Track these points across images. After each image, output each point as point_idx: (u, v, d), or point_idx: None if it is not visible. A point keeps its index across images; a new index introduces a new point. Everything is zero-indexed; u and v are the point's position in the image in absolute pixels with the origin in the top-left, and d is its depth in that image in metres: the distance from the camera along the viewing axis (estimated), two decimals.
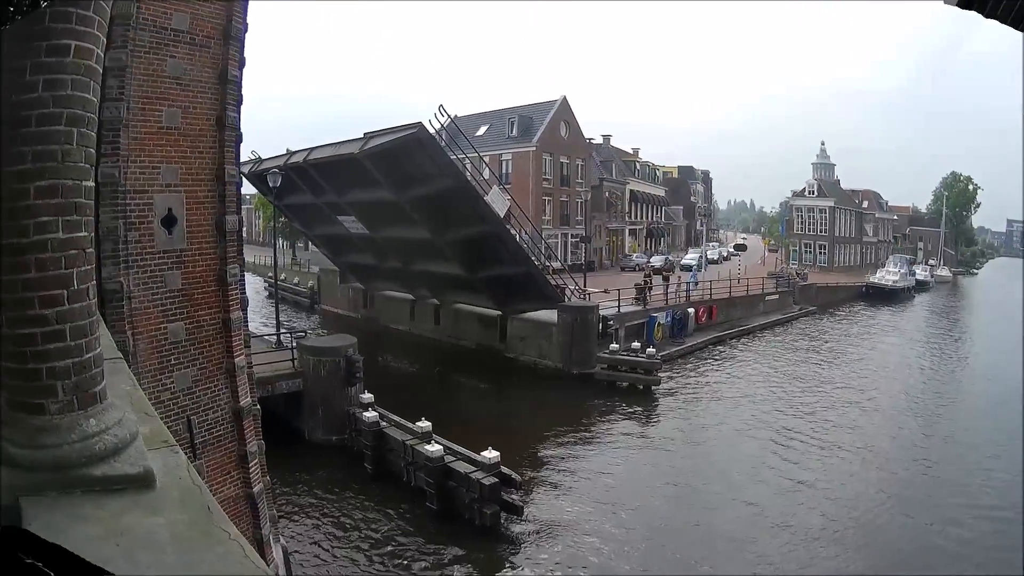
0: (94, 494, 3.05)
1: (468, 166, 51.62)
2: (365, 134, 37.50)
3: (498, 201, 37.26)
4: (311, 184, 41.56)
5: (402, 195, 37.07)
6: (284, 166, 39.09)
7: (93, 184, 3.27)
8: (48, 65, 2.98)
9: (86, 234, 3.19)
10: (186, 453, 4.18)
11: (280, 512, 19.88)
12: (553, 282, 44.42)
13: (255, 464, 14.67)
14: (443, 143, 38.05)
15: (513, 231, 45.42)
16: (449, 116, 42.14)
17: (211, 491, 4.09)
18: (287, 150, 46.88)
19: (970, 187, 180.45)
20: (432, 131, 37.49)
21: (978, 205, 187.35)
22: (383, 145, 33.72)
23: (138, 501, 3.09)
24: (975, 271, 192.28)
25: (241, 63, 13.83)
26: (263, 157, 49.10)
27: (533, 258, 45.57)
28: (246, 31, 13.82)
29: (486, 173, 75.80)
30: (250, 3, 13.91)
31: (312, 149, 39.87)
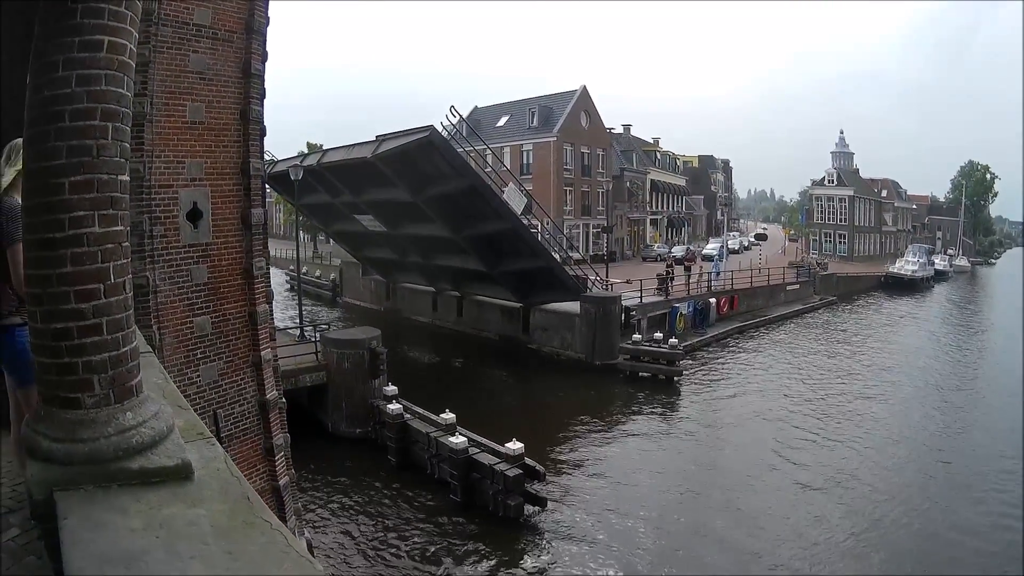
0: (131, 487, 3.06)
1: (489, 157, 51.51)
2: (377, 136, 37.47)
3: (515, 198, 37.25)
4: (327, 185, 41.62)
5: (418, 195, 37.11)
6: (299, 168, 39.10)
7: (128, 179, 3.29)
8: (81, 60, 2.99)
9: (122, 228, 3.21)
10: (223, 450, 4.20)
11: (304, 505, 19.94)
12: (573, 273, 44.21)
13: (281, 457, 14.72)
14: (457, 142, 37.95)
15: (534, 225, 45.40)
16: (461, 116, 42.08)
17: None
18: (302, 151, 46.91)
19: (988, 176, 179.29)
20: (445, 133, 37.54)
21: (996, 194, 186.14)
22: (395, 149, 33.68)
23: (177, 493, 3.10)
24: (993, 261, 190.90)
25: (264, 56, 13.86)
26: (277, 158, 49.14)
27: (553, 252, 45.43)
28: (268, 24, 13.84)
29: (507, 161, 76.18)
30: None
31: (325, 152, 40.00)
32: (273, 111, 14.70)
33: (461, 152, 37.51)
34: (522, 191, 41.34)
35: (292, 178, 37.32)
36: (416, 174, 35.10)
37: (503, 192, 37.28)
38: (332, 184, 41.34)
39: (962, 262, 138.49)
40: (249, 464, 13.93)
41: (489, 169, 43.62)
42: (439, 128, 36.25)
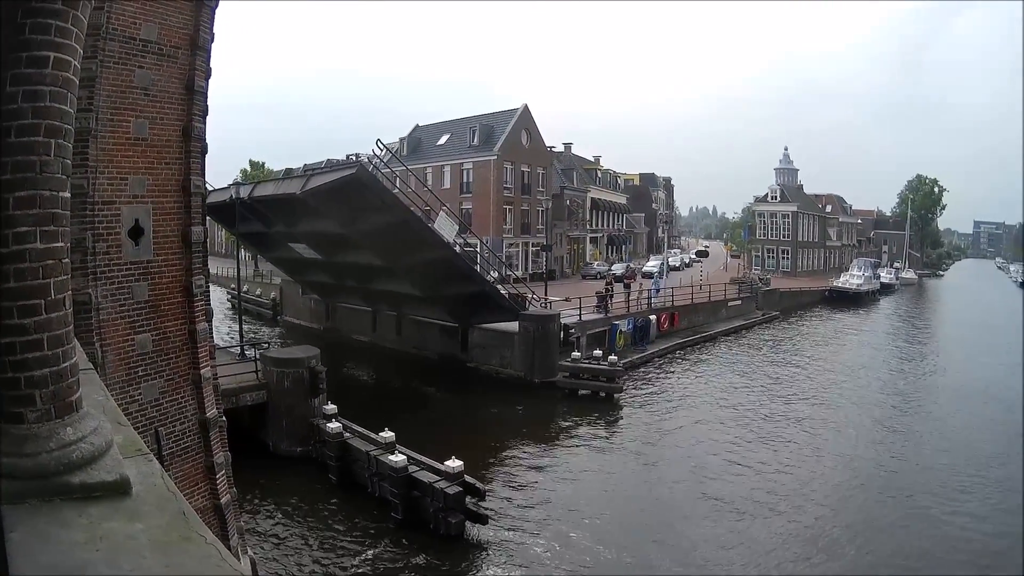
0: (74, 501, 3.07)
1: (420, 180, 51.27)
2: (305, 169, 37.53)
3: (446, 227, 37.25)
4: (260, 216, 41.37)
5: (349, 228, 37.05)
6: (231, 200, 38.91)
7: (69, 195, 3.30)
8: (27, 76, 3.00)
9: (62, 244, 3.21)
10: (160, 466, 4.21)
11: (247, 524, 19.90)
12: (511, 293, 44.60)
13: (222, 475, 14.65)
14: (384, 175, 38.00)
15: (472, 245, 45.44)
16: (387, 148, 42.09)
17: None
18: (245, 168, 46.78)
19: (936, 189, 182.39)
20: (372, 168, 37.59)
21: (944, 207, 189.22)
22: (323, 186, 33.49)
23: (117, 508, 3.12)
24: (941, 273, 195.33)
25: (207, 73, 13.81)
26: (211, 188, 48.30)
27: (489, 275, 45.58)
28: (213, 41, 13.81)
29: (447, 180, 76.49)
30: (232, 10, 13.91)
31: (256, 185, 39.93)
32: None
33: (390, 185, 37.78)
34: (453, 217, 41.26)
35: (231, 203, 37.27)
36: (346, 208, 34.90)
37: (434, 222, 37.25)
38: (265, 216, 41.11)
39: (909, 275, 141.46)
40: (191, 482, 13.85)
41: (424, 190, 43.50)
42: (372, 157, 36.22)
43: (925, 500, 25.37)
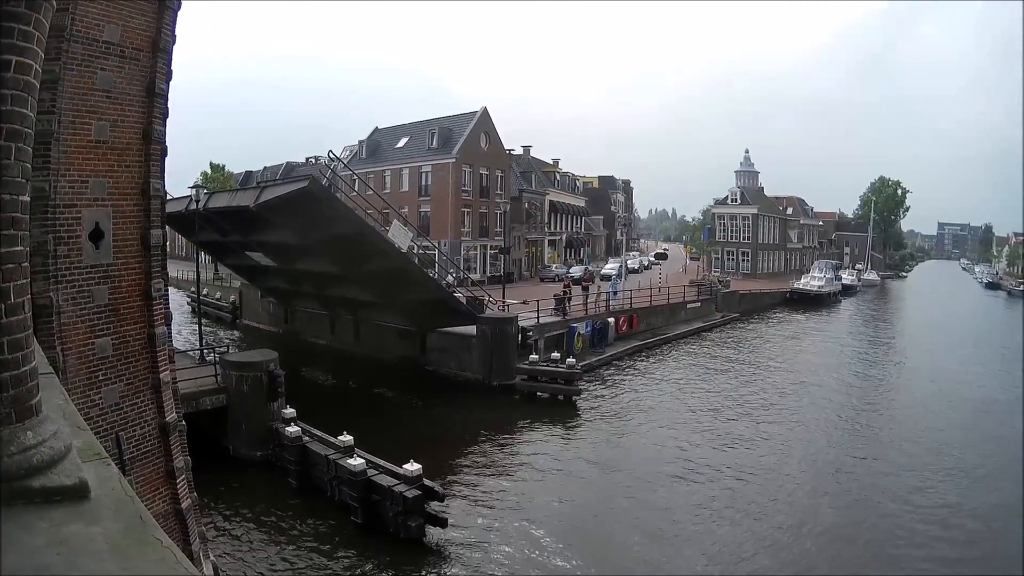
0: (35, 505, 3.07)
1: (383, 181, 51.06)
2: (259, 183, 37.37)
3: (400, 236, 37.21)
4: (215, 226, 41.20)
5: (304, 239, 37.14)
6: (185, 211, 38.78)
7: (28, 199, 3.29)
8: None
9: (21, 248, 3.20)
10: (118, 470, 4.21)
11: (209, 529, 19.78)
12: (464, 297, 44.54)
13: (182, 480, 14.57)
14: (336, 186, 38.04)
15: (430, 246, 45.43)
16: (339, 159, 42.11)
17: None
18: (205, 171, 46.62)
19: (899, 191, 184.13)
20: (326, 178, 38.24)
21: (907, 209, 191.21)
22: (275, 199, 33.45)
23: (75, 511, 3.12)
24: (904, 274, 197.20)
25: (168, 76, 13.73)
26: (170, 197, 48.09)
27: (445, 282, 45.76)
28: (174, 43, 13.75)
29: (406, 183, 76.64)
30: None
31: (210, 196, 39.52)
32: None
33: (345, 195, 38.25)
34: (407, 225, 41.23)
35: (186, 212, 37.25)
36: (299, 219, 34.82)
37: (388, 231, 37.27)
38: (221, 226, 40.95)
39: (871, 276, 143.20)
40: (152, 487, 13.77)
41: (382, 195, 43.40)
42: (328, 161, 36.18)
43: (889, 504, 25.52)
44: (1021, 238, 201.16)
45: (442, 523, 22.03)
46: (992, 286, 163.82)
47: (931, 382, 48.12)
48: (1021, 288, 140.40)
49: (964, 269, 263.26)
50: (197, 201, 37.77)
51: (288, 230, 36.49)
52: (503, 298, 51.38)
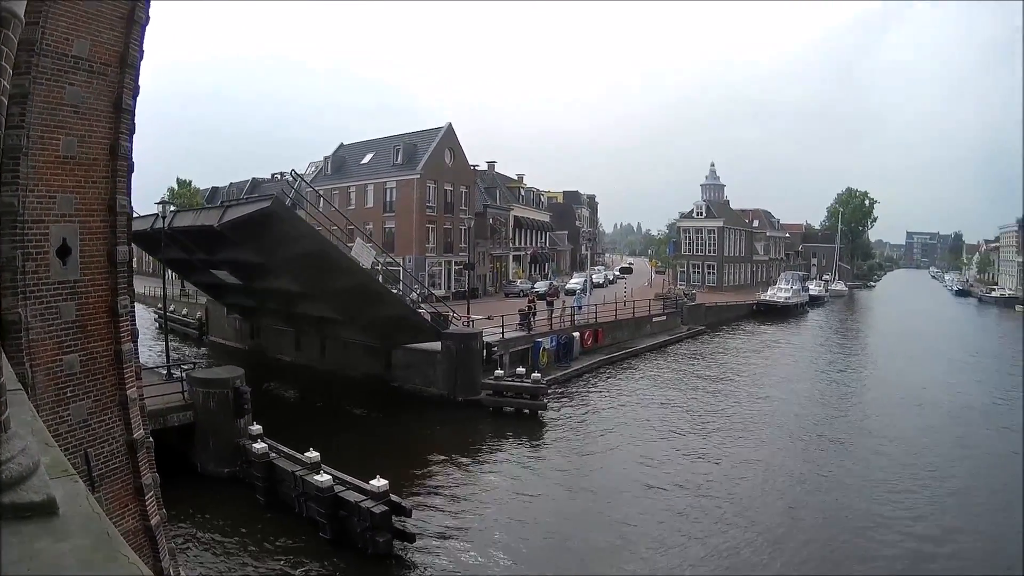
0: (7, 521, 3.08)
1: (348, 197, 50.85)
2: (223, 202, 37.29)
3: (363, 253, 37.35)
4: (181, 244, 41.08)
5: (267, 257, 37.19)
6: (151, 229, 38.67)
7: None
8: None
9: None
10: (85, 486, 4.22)
11: (178, 546, 19.68)
12: (428, 313, 44.82)
13: (151, 497, 14.49)
14: (299, 205, 38.11)
15: (395, 262, 45.30)
16: (302, 178, 42.05)
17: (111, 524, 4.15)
18: (162, 199, 46.42)
19: (867, 201, 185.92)
20: (289, 197, 38.20)
21: (875, 219, 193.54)
22: (239, 218, 33.45)
23: (45, 527, 3.14)
24: (872, 284, 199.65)
25: (135, 91, 13.68)
26: (136, 215, 47.85)
27: (408, 299, 46.11)
28: (141, 58, 13.70)
29: (371, 199, 76.70)
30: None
31: (175, 214, 39.54)
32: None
33: (308, 213, 38.52)
34: (369, 243, 41.25)
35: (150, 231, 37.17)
36: (263, 239, 34.82)
37: (351, 249, 37.34)
38: (185, 244, 40.82)
39: (839, 287, 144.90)
40: (121, 504, 13.68)
41: (347, 211, 43.30)
42: (292, 177, 36.16)
43: (858, 517, 25.51)
44: (992, 245, 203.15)
45: (410, 538, 22.14)
46: (962, 293, 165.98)
47: (900, 390, 48.62)
48: (993, 295, 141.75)
49: (934, 277, 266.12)
50: (164, 217, 37.68)
51: (252, 249, 36.43)
52: (468, 314, 51.67)
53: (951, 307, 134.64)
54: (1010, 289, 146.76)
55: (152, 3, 13.57)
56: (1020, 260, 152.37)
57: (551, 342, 51.37)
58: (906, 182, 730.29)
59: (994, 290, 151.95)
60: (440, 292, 76.06)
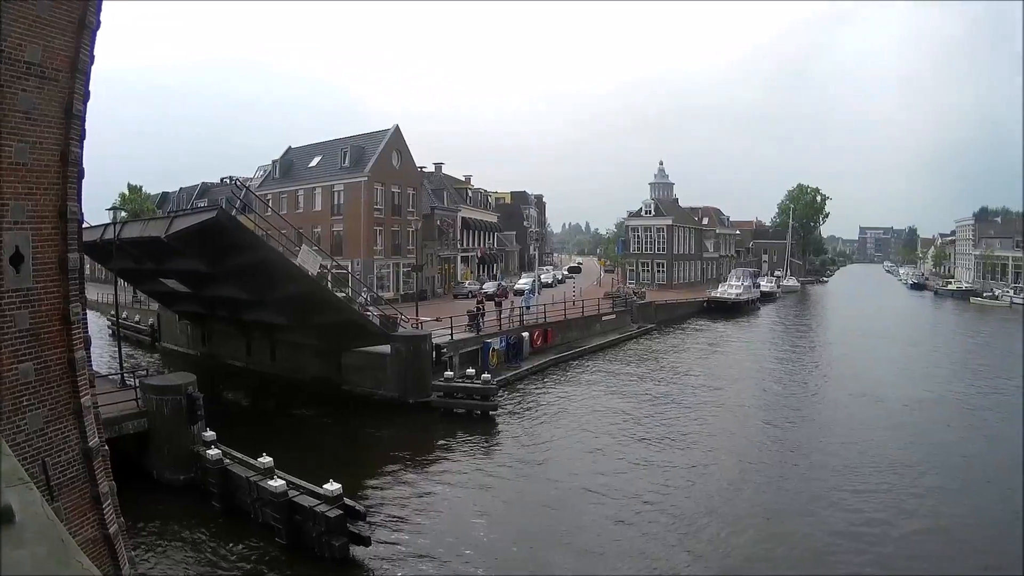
0: None
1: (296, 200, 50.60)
2: (169, 213, 37.19)
3: (309, 261, 37.36)
4: (130, 255, 40.85)
5: (215, 267, 37.21)
6: (100, 240, 38.48)
7: None
8: None
9: None
10: (44, 496, 4.23)
11: (138, 554, 19.56)
12: (377, 316, 44.92)
13: (109, 505, 14.41)
14: (243, 212, 38.08)
15: (343, 268, 45.12)
16: (245, 187, 41.96)
17: (71, 533, 4.17)
18: (114, 204, 46.06)
19: (818, 198, 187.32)
20: (234, 208, 38.81)
21: (827, 215, 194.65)
22: (184, 230, 33.35)
23: (3, 535, 3.15)
24: (825, 279, 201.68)
25: (86, 97, 13.59)
26: (87, 225, 47.53)
27: (356, 304, 46.18)
28: (92, 64, 13.61)
29: (319, 202, 76.80)
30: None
31: (123, 225, 39.30)
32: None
33: (253, 221, 38.84)
34: (316, 248, 41.26)
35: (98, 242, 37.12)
36: (210, 249, 34.92)
37: (297, 256, 37.32)
38: (134, 255, 40.59)
39: (791, 282, 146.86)
40: (79, 512, 13.60)
41: (294, 214, 43.18)
42: (240, 183, 36.13)
43: (814, 520, 25.45)
44: (948, 239, 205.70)
45: (365, 541, 22.14)
46: (918, 287, 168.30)
47: (857, 384, 49.01)
48: (949, 288, 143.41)
49: (888, 271, 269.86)
50: (115, 225, 37.49)
51: (199, 259, 36.34)
52: (416, 316, 51.87)
53: (907, 300, 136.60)
54: (967, 282, 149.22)
55: (104, 7, 13.45)
56: (976, 253, 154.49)
57: (500, 343, 51.73)
58: (859, 178, 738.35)
59: (951, 283, 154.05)
60: (389, 294, 76.31)
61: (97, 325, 69.84)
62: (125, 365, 41.31)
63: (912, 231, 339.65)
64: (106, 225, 39.55)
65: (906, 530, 24.06)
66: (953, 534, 23.89)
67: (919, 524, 24.63)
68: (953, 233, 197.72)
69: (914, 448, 33.71)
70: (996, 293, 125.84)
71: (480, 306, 55.35)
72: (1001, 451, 33.12)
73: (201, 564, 21.54)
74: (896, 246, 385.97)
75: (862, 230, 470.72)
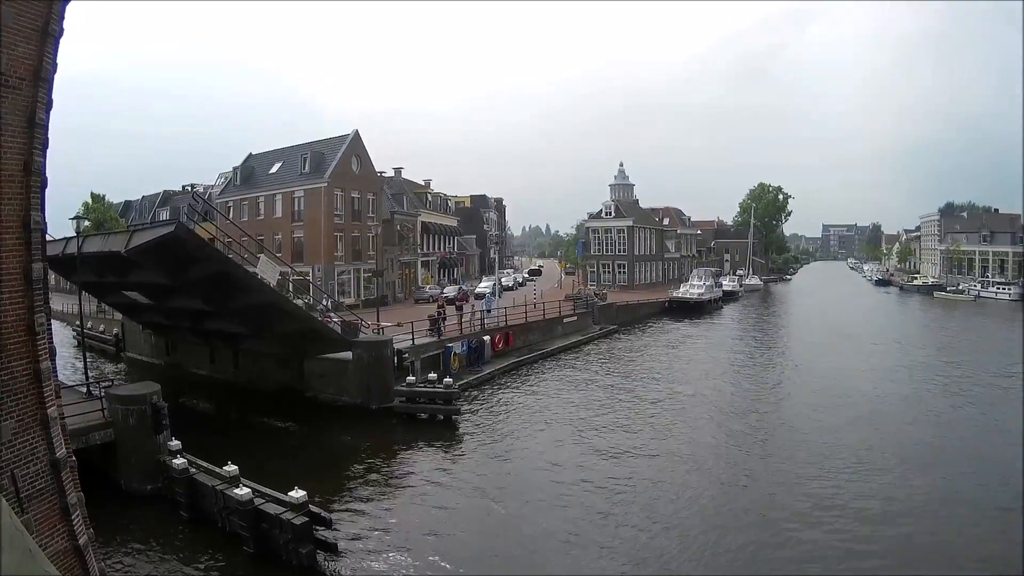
0: None
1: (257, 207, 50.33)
2: (129, 227, 37.07)
3: (268, 271, 37.41)
4: (92, 268, 40.73)
5: (175, 280, 37.16)
6: (62, 255, 38.36)
7: None
8: None
9: None
10: (13, 508, 4.23)
11: (108, 565, 19.48)
12: (339, 322, 45.09)
13: (78, 516, 14.33)
14: (221, 200, 38.04)
15: (304, 274, 44.97)
16: (203, 199, 41.87)
17: (41, 545, 4.18)
18: (77, 213, 45.83)
19: (780, 196, 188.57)
20: (193, 222, 38.65)
21: (789, 213, 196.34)
22: (144, 244, 33.38)
23: None
24: (788, 277, 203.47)
25: (48, 105, 13.50)
26: (50, 238, 47.48)
27: (316, 312, 45.88)
28: (55, 72, 13.52)
29: (279, 208, 76.69)
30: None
31: (85, 239, 39.16)
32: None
33: (213, 231, 38.75)
34: (274, 260, 41.24)
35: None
36: (170, 262, 35.05)
37: (256, 267, 37.33)
38: (96, 268, 40.46)
39: (754, 281, 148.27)
40: (49, 524, 13.52)
41: (255, 221, 43.09)
42: (203, 191, 36.16)
43: (782, 520, 25.40)
44: (913, 235, 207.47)
45: (332, 548, 22.22)
46: (883, 283, 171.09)
47: (824, 380, 49.75)
48: (915, 283, 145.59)
49: (852, 268, 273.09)
50: (78, 239, 37.39)
51: (160, 272, 36.33)
52: (378, 321, 51.88)
53: (872, 297, 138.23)
54: (933, 277, 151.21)
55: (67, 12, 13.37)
56: (942, 248, 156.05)
57: (462, 347, 51.82)
58: (822, 176, 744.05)
59: (916, 278, 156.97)
60: (350, 300, 76.90)
61: (62, 335, 69.34)
62: (90, 375, 41.11)
63: (876, 228, 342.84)
64: (68, 239, 39.44)
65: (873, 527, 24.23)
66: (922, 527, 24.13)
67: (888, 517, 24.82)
68: (918, 229, 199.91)
69: (879, 439, 34.21)
70: (962, 287, 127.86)
71: (441, 310, 55.50)
72: (967, 442, 34.03)
73: (171, 574, 21.45)
74: (860, 243, 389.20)
75: (825, 227, 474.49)
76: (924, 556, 22.02)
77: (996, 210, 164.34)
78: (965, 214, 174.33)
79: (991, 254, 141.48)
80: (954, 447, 33.54)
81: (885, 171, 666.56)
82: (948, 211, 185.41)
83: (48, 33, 13.13)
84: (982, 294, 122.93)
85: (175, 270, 36.02)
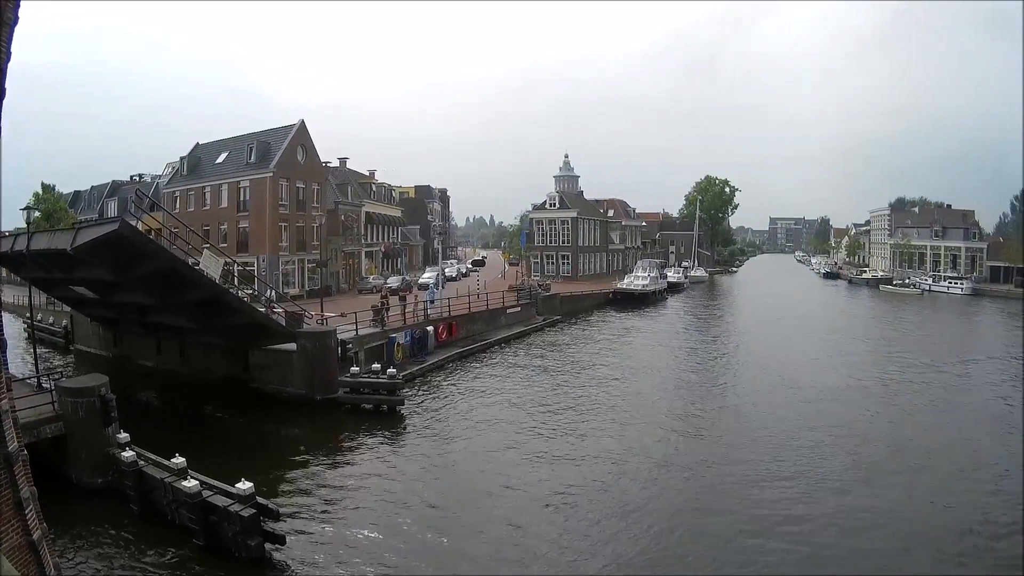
0: None
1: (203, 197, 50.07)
2: (74, 225, 36.96)
3: (212, 265, 37.39)
4: (40, 265, 40.50)
5: (121, 276, 37.01)
6: (11, 252, 38.09)
7: None
8: None
9: None
10: None
11: (62, 560, 19.42)
12: (283, 313, 45.27)
13: (31, 511, 14.24)
14: (169, 190, 37.82)
15: (249, 264, 44.72)
16: (147, 196, 41.82)
17: None
18: (27, 205, 45.64)
19: (727, 189, 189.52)
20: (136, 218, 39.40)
21: (736, 206, 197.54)
22: (89, 242, 33.24)
23: None
24: (734, 269, 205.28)
25: (1, 94, 13.38)
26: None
27: (261, 304, 46.31)
28: (9, 60, 13.39)
29: (225, 198, 76.44)
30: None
31: (31, 237, 38.91)
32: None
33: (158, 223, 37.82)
34: (217, 254, 41.09)
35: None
36: (115, 259, 34.98)
37: (199, 263, 37.29)
38: (44, 265, 40.23)
39: (699, 273, 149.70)
40: (2, 519, 13.38)
41: (200, 212, 42.83)
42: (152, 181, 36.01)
43: (734, 513, 25.53)
44: (862, 229, 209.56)
45: (280, 540, 22.12)
46: (831, 276, 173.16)
47: (769, 372, 50.38)
48: (864, 277, 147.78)
49: (800, 261, 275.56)
50: (27, 235, 37.19)
51: (105, 268, 36.16)
52: (322, 312, 52.04)
53: (821, 290, 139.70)
54: (882, 271, 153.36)
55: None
56: (892, 242, 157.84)
57: (405, 337, 52.08)
58: (770, 170, 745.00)
59: (865, 272, 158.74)
60: (294, 291, 77.44)
61: (13, 328, 69.11)
62: (40, 368, 40.86)
63: (825, 221, 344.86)
64: (16, 235, 39.24)
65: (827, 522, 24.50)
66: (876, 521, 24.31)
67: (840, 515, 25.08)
68: (868, 223, 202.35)
69: (826, 433, 34.66)
70: (912, 281, 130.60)
71: (384, 301, 55.77)
72: (925, 435, 34.66)
73: (123, 568, 21.33)
74: (808, 236, 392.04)
75: (772, 220, 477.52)
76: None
77: (949, 206, 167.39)
78: (916, 209, 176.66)
79: (943, 249, 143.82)
80: (896, 427, 35.02)
81: (836, 167, 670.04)
82: (899, 206, 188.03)
83: (3, 22, 13.01)
84: (933, 288, 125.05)
85: (120, 267, 35.96)
